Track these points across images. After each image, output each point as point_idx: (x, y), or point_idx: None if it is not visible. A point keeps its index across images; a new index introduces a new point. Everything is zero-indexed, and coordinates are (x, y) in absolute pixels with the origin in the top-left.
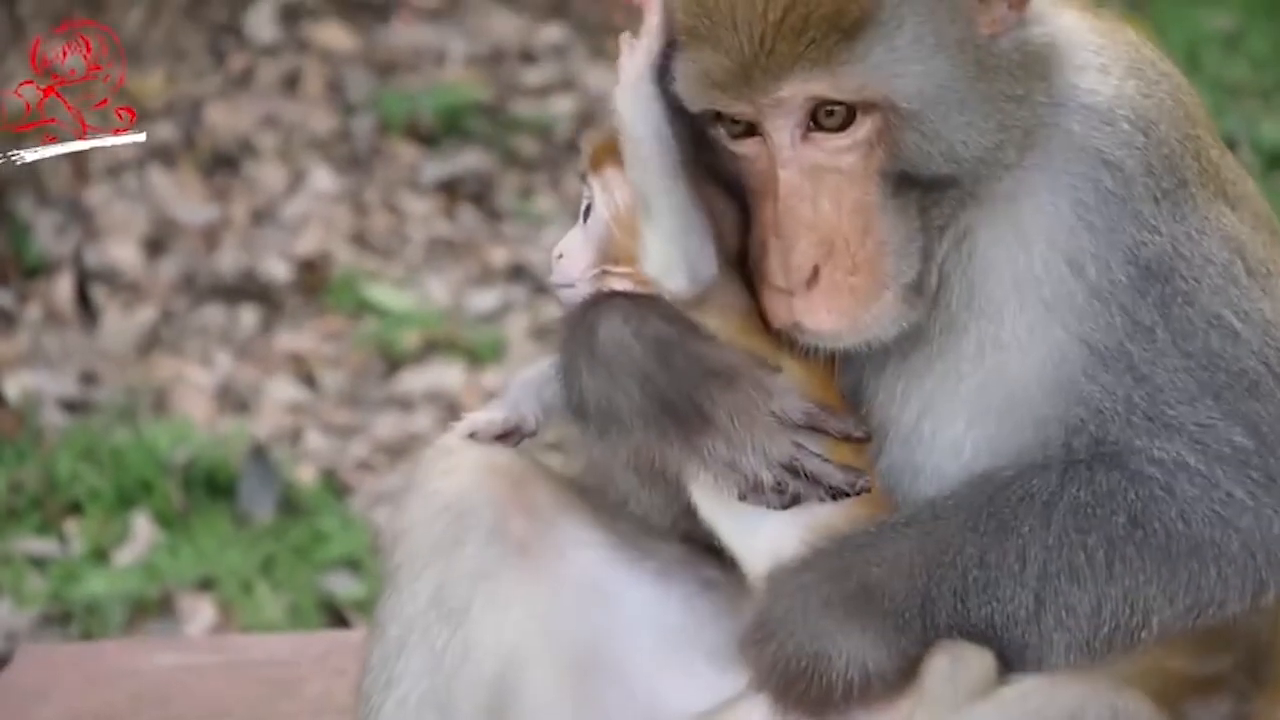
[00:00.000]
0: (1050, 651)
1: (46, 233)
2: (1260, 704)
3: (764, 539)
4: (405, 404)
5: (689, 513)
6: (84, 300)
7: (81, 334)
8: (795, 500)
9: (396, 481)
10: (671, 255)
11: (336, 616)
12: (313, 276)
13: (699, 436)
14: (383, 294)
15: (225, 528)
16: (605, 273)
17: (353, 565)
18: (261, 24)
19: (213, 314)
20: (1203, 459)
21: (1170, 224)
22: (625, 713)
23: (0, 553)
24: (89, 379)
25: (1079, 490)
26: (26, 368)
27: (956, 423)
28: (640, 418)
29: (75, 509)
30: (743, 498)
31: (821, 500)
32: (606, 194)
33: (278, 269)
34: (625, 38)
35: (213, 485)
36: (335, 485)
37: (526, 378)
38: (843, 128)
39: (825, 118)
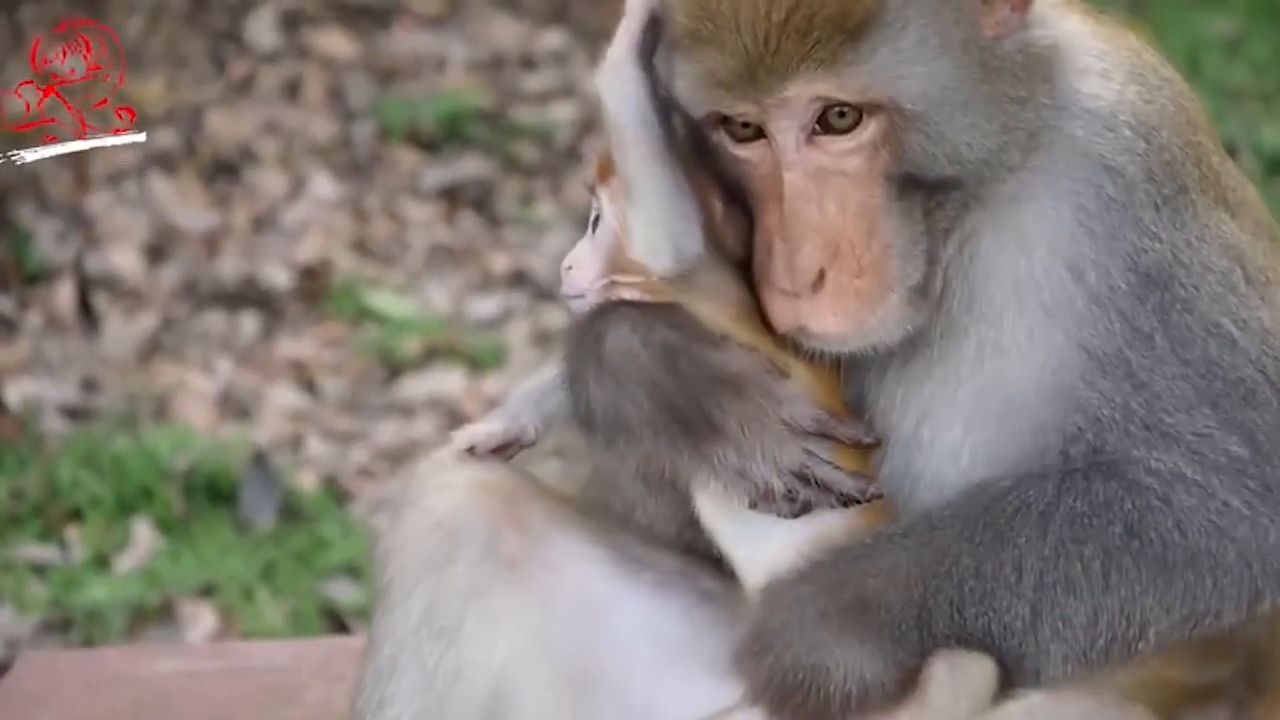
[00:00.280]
0: (1047, 662)
1: (47, 239)
2: (1259, 712)
3: (770, 548)
4: (406, 411)
5: (693, 523)
6: (85, 307)
7: (82, 341)
8: (806, 508)
9: (396, 489)
10: (656, 235)
11: (337, 623)
12: (313, 283)
13: (709, 445)
14: (383, 300)
15: (226, 534)
16: (614, 283)
17: (353, 572)
18: (262, 31)
19: (213, 321)
20: (1199, 469)
21: (1170, 231)
22: None
23: (1, 559)
24: (90, 386)
25: (1075, 500)
26: (27, 374)
27: (955, 428)
28: (649, 426)
29: (76, 516)
30: (753, 506)
31: (832, 507)
32: (614, 204)
33: (278, 276)
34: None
35: (214, 492)
36: (336, 492)
37: (526, 388)
38: (849, 130)
39: (835, 119)
